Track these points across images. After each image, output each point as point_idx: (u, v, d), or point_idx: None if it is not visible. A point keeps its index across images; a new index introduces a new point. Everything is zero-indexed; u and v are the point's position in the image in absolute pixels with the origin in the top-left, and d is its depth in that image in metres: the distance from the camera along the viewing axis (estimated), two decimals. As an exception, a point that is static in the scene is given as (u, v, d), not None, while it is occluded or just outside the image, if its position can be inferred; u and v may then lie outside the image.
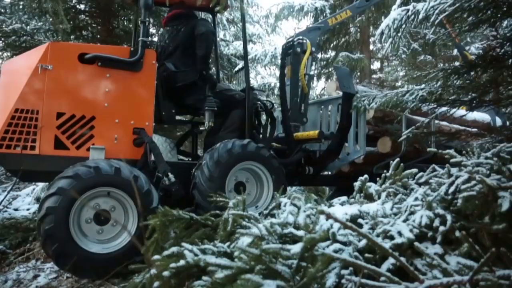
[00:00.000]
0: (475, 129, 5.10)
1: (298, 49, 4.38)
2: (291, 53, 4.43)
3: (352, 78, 3.70)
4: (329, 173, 5.04)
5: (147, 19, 3.35)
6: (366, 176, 2.37)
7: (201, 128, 4.14)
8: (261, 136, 4.08)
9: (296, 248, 1.19)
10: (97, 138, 3.10)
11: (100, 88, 3.17)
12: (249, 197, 3.44)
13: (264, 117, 4.43)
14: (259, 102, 4.10)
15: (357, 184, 2.26)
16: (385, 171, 2.33)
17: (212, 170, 3.20)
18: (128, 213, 2.85)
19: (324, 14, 9.60)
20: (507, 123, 5.60)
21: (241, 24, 4.15)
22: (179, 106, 3.83)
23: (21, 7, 6.12)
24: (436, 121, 4.85)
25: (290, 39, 4.55)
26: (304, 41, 4.37)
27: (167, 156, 3.67)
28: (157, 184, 3.07)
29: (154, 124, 3.41)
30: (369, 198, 2.14)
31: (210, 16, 4.65)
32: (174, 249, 1.43)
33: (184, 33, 3.77)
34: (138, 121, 3.28)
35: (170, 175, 3.06)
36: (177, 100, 3.79)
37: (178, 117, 4.02)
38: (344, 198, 2.24)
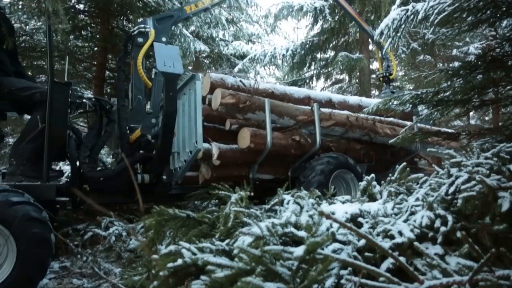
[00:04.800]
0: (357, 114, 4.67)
1: (140, 40, 3.72)
2: (133, 45, 3.79)
3: (180, 56, 3.28)
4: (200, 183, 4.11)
5: None
6: (372, 175, 2.23)
7: None
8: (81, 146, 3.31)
9: (298, 251, 1.19)
10: None
11: None
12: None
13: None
14: (86, 101, 3.37)
15: (362, 184, 2.23)
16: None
17: None
18: None
19: (324, 14, 9.61)
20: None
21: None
22: None
23: (20, 7, 6.11)
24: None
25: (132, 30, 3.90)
26: (148, 29, 3.73)
27: None
28: None
29: None
30: (372, 197, 2.13)
31: None
32: (172, 247, 1.42)
33: None
34: None
35: None
36: None
37: None
38: (347, 196, 2.24)
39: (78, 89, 3.37)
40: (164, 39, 3.74)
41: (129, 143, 3.54)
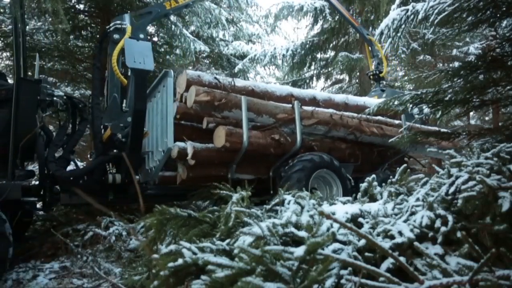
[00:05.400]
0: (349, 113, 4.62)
1: (116, 36, 3.62)
2: (109, 42, 3.70)
3: (152, 53, 3.19)
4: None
5: None
6: (373, 176, 2.22)
7: None
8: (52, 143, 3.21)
9: (299, 251, 1.19)
10: None
11: None
12: None
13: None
14: (57, 99, 3.27)
15: (363, 186, 2.23)
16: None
17: None
18: None
19: (324, 14, 9.61)
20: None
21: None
22: None
23: (20, 6, 6.10)
24: (284, 105, 4.09)
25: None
26: (124, 26, 3.64)
27: None
28: None
29: None
30: (372, 198, 2.13)
31: None
32: (172, 247, 1.42)
33: None
34: None
35: None
36: None
37: None
38: (347, 197, 2.24)
39: (49, 86, 3.30)
40: (141, 35, 3.63)
41: (102, 142, 3.45)
